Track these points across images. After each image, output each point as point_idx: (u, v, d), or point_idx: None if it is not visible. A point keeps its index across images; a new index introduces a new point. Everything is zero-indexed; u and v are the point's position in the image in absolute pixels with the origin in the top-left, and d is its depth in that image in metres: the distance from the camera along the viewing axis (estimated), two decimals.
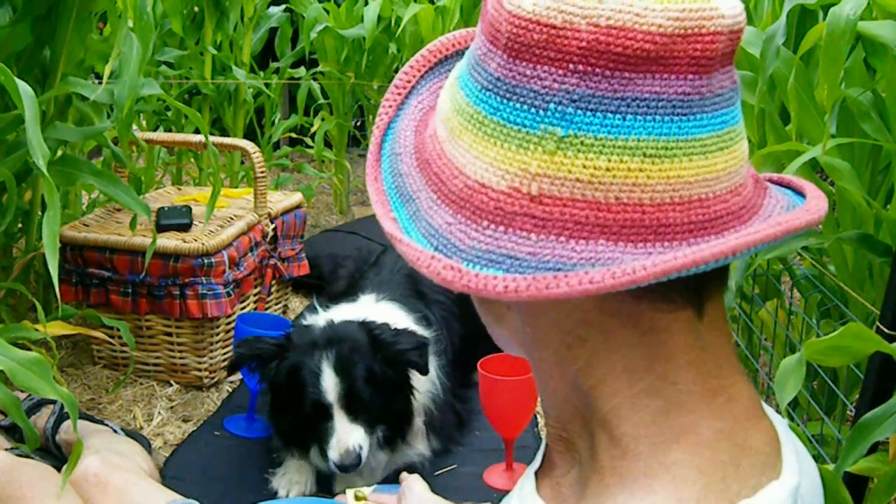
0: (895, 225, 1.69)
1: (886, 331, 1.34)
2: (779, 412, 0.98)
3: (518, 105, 0.64)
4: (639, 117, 0.62)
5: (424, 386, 2.07)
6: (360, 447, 1.85)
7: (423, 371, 1.95)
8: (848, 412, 1.96)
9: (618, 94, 0.62)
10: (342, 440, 1.85)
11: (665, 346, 0.67)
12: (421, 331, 2.11)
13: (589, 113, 0.62)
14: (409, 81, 0.81)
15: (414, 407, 2.02)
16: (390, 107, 0.79)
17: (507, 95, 0.64)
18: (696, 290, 0.67)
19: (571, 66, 0.62)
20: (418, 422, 2.06)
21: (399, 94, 0.80)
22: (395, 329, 2.00)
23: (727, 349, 0.71)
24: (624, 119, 0.62)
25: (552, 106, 0.62)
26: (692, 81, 0.62)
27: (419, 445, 2.07)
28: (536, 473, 0.80)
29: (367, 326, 1.99)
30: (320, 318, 2.10)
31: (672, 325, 0.67)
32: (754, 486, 0.66)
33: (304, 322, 2.11)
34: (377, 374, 1.91)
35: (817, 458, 1.28)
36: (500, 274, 0.63)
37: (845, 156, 1.79)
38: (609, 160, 0.62)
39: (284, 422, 1.98)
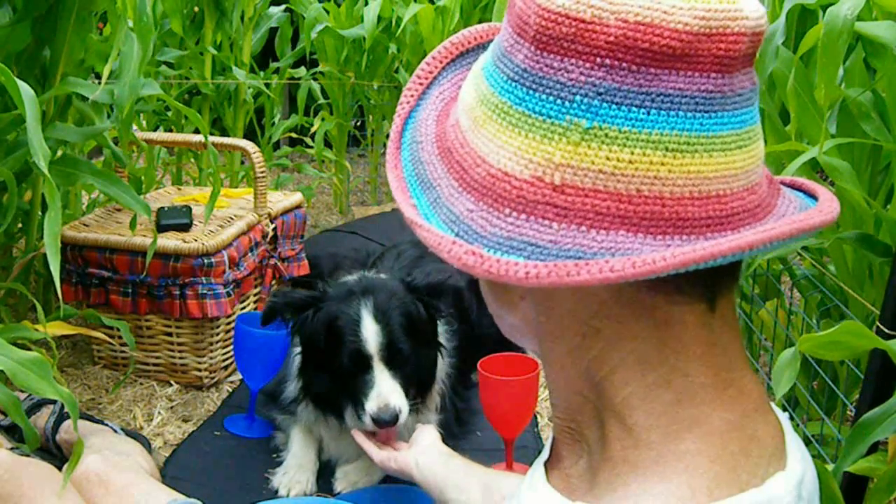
0: (895, 225, 1.69)
1: (886, 331, 1.34)
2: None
3: (544, 96, 0.65)
4: (662, 112, 0.63)
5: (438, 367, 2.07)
6: (400, 410, 1.82)
7: (464, 295, 1.95)
8: (848, 412, 1.96)
9: (643, 89, 0.63)
10: (382, 394, 1.81)
11: (678, 339, 0.69)
12: None
13: (614, 106, 0.63)
14: (430, 73, 0.83)
15: (441, 358, 2.01)
16: (412, 96, 0.81)
17: (534, 86, 0.66)
18: (710, 284, 0.69)
19: (599, 59, 0.63)
20: (434, 398, 2.06)
21: (421, 84, 0.82)
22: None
23: (736, 344, 0.72)
24: (648, 113, 0.63)
25: (578, 98, 0.64)
26: (715, 80, 0.64)
27: (433, 416, 2.06)
28: (546, 465, 0.80)
29: (399, 277, 1.99)
30: None
31: (685, 317, 0.68)
32: (762, 476, 0.68)
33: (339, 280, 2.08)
34: (415, 322, 1.90)
35: (817, 459, 1.28)
36: (521, 260, 0.65)
37: (845, 156, 1.79)
38: (632, 153, 0.63)
39: (318, 382, 1.95)
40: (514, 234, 0.66)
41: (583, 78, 0.64)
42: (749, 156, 0.67)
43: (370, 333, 1.84)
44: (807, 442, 1.79)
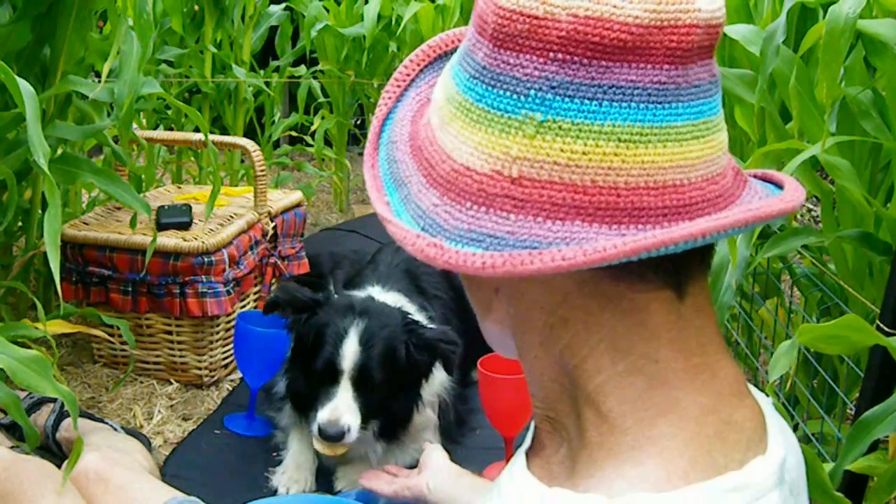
0: (895, 223, 1.69)
1: (887, 329, 1.34)
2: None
3: (501, 92, 0.67)
4: (615, 104, 0.64)
5: (438, 381, 2.07)
6: (349, 428, 1.84)
7: (450, 367, 1.96)
8: (848, 410, 1.96)
9: (595, 82, 0.64)
10: (337, 409, 1.84)
11: (645, 326, 0.69)
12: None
13: (567, 99, 0.65)
14: (408, 75, 0.85)
15: (416, 410, 2.01)
16: (389, 98, 0.83)
17: (492, 83, 0.68)
18: (674, 271, 0.69)
19: (552, 54, 0.65)
20: (431, 417, 2.07)
21: (399, 86, 0.84)
22: (431, 325, 2.01)
23: (710, 330, 0.73)
24: (600, 105, 0.64)
25: (532, 92, 0.65)
26: (668, 72, 0.65)
27: (430, 441, 2.06)
28: (527, 454, 0.81)
29: (403, 312, 2.00)
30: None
31: (650, 304, 0.69)
32: (740, 461, 0.68)
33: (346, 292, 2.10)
34: (397, 361, 1.90)
35: (818, 457, 1.28)
36: (479, 251, 0.66)
37: (845, 154, 1.80)
38: (585, 144, 0.65)
39: (297, 382, 1.99)
40: (474, 226, 0.67)
41: (537, 73, 0.65)
42: (707, 146, 0.68)
43: (349, 352, 1.87)
44: (807, 440, 1.79)
